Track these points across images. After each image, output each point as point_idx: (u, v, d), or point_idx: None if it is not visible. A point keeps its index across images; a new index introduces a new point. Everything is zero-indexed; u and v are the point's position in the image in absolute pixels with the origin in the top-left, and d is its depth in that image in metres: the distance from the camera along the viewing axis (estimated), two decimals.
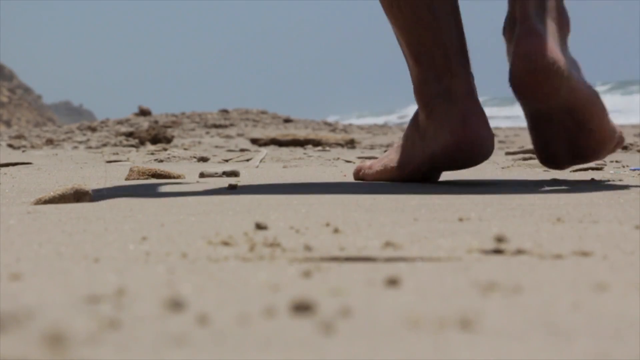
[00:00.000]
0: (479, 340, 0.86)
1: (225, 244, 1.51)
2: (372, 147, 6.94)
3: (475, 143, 2.29)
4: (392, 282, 1.14)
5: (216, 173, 3.22)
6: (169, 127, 11.36)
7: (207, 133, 10.98)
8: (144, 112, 13.17)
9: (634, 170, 3.54)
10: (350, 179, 3.12)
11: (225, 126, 12.04)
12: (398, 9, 2.33)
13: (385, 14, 2.38)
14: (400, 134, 10.34)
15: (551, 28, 2.17)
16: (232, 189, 2.64)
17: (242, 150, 6.42)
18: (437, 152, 2.34)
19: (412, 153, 2.45)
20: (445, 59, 2.31)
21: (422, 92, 2.36)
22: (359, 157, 4.21)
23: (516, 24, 2.21)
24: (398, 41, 2.41)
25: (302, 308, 0.97)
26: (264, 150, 5.14)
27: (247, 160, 4.57)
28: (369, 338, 0.87)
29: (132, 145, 7.25)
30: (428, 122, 2.35)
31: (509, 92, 2.22)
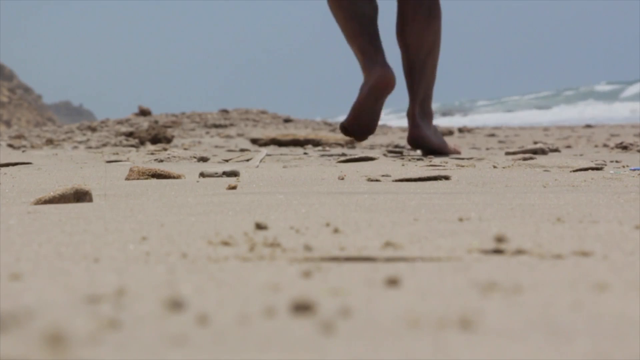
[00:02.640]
0: (479, 340, 0.86)
1: (225, 244, 1.51)
2: (372, 147, 6.94)
3: (378, 85, 5.12)
4: (392, 282, 1.14)
5: (216, 173, 3.23)
6: (169, 127, 11.36)
7: (207, 133, 10.98)
8: (144, 112, 13.16)
9: (634, 170, 3.55)
10: (350, 179, 3.12)
11: (225, 126, 12.04)
12: (345, 34, 5.17)
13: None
14: (401, 134, 10.47)
15: (425, 119, 5.26)
16: (232, 189, 2.65)
17: (242, 150, 6.42)
18: (367, 87, 5.10)
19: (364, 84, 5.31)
20: (366, 61, 5.06)
21: (362, 69, 5.12)
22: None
23: (409, 118, 5.29)
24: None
25: (302, 308, 0.97)
26: (264, 150, 5.14)
27: (247, 160, 4.58)
28: (369, 338, 0.87)
29: (132, 145, 7.25)
30: (365, 78, 5.12)
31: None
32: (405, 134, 8.84)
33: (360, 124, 5.05)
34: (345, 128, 5.09)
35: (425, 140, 5.14)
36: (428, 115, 5.26)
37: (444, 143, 5.24)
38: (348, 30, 5.07)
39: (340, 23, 5.13)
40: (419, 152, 5.44)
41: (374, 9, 5.14)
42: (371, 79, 4.96)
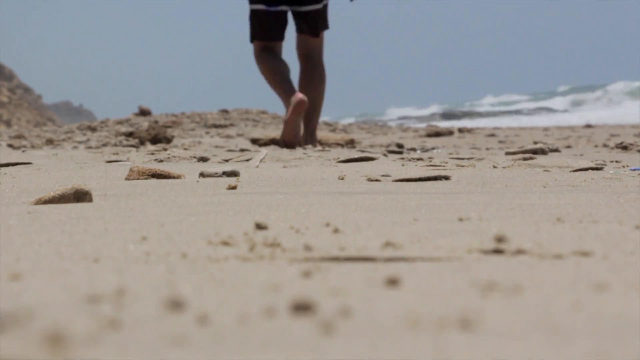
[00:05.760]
0: (479, 340, 0.86)
1: (225, 244, 1.51)
2: (371, 147, 6.94)
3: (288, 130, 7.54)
4: (392, 282, 1.14)
5: (216, 173, 3.23)
6: (169, 127, 11.35)
7: (207, 133, 10.98)
8: (144, 112, 13.15)
9: (634, 170, 3.55)
10: (350, 179, 3.12)
11: (225, 126, 12.03)
12: (272, 84, 7.61)
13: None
14: (401, 134, 10.57)
15: (313, 143, 7.62)
16: (232, 189, 2.65)
17: (242, 150, 6.42)
18: (290, 110, 7.31)
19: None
20: (287, 97, 7.34)
21: (285, 103, 7.47)
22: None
23: (302, 141, 7.61)
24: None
25: (302, 308, 0.97)
26: (264, 150, 5.14)
27: (247, 160, 4.57)
28: (369, 338, 0.87)
29: (132, 145, 7.25)
30: (287, 107, 7.44)
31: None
32: (405, 134, 10.88)
33: (290, 135, 7.20)
34: (284, 140, 7.22)
35: (299, 140, 7.81)
36: (315, 140, 7.73)
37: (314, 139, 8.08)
38: (274, 82, 7.58)
39: (267, 77, 7.67)
40: (419, 151, 6.11)
41: (287, 68, 7.80)
42: (292, 104, 7.21)
